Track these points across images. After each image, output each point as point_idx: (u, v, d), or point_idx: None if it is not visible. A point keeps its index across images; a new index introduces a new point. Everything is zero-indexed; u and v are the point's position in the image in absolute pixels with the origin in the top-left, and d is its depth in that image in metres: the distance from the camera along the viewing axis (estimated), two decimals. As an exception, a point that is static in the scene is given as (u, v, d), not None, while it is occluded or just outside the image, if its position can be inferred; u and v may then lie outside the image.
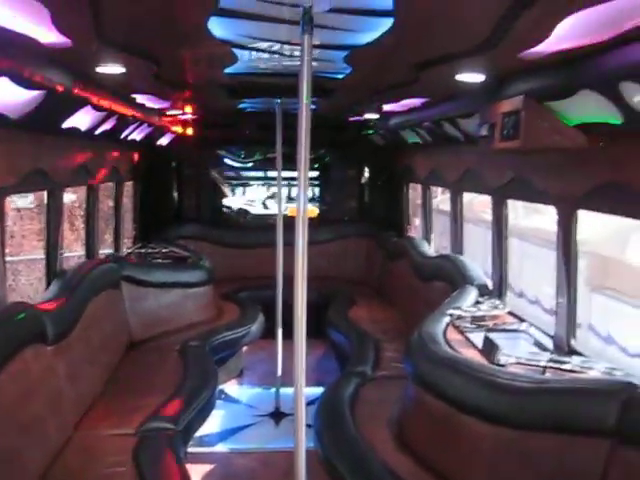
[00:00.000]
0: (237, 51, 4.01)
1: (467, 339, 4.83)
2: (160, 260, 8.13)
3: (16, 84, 3.61)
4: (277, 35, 3.59)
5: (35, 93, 3.99)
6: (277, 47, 3.98)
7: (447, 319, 5.17)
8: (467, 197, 7.61)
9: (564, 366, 4.01)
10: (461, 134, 6.00)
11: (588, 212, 4.49)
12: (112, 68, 4.19)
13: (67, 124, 5.10)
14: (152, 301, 7.32)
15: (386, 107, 6.94)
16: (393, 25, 3.19)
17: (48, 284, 5.70)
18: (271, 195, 11.65)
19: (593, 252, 8.38)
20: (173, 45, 3.75)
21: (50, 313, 4.82)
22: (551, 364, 4.05)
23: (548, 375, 3.95)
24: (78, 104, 4.90)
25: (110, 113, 5.74)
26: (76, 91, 4.44)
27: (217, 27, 3.34)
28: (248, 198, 11.72)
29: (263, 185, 11.79)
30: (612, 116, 3.44)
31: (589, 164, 4.14)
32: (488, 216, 11.53)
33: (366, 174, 10.88)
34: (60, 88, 4.15)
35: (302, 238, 3.18)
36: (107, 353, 6.00)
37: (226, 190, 11.59)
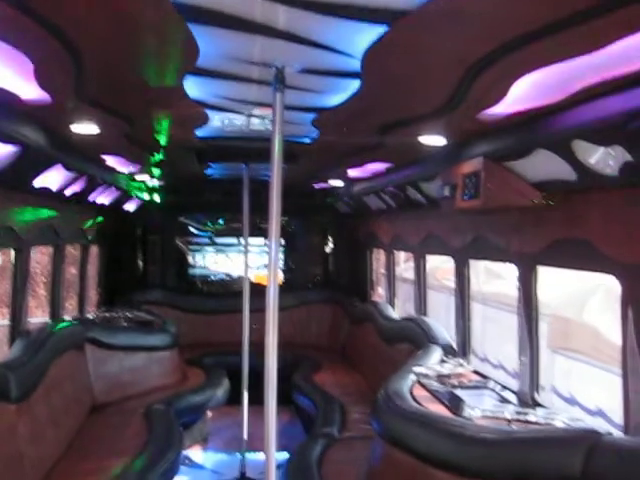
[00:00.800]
0: (209, 112, 4.16)
1: (433, 395, 4.89)
2: (125, 324, 8.07)
3: (-7, 138, 3.70)
4: (249, 96, 3.75)
5: (10, 148, 4.07)
6: (248, 109, 4.15)
7: (413, 377, 5.23)
8: (430, 264, 7.78)
9: (529, 417, 4.09)
10: (423, 197, 6.20)
11: (547, 268, 4.68)
12: (87, 127, 4.31)
13: (38, 183, 5.17)
14: (116, 364, 7.25)
15: (351, 173, 7.15)
16: (360, 87, 3.37)
17: (11, 343, 5.64)
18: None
19: (553, 315, 8.58)
20: (148, 104, 3.88)
21: (14, 371, 4.77)
22: (516, 416, 4.12)
23: (514, 427, 4.02)
24: (50, 162, 4.99)
25: (80, 174, 5.82)
26: (50, 149, 4.53)
27: (192, 87, 3.49)
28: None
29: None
30: (566, 173, 3.64)
31: (546, 221, 4.33)
32: (450, 283, 11.77)
33: (330, 241, 11.07)
34: (35, 145, 4.24)
35: (273, 303, 3.26)
36: (69, 415, 5.89)
37: (190, 257, 11.64)
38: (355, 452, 5.39)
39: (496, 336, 10.32)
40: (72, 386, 6.22)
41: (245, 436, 6.96)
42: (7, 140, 3.95)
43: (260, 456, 7.23)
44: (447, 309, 10.28)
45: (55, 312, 7.06)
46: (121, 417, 6.53)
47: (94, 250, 8.99)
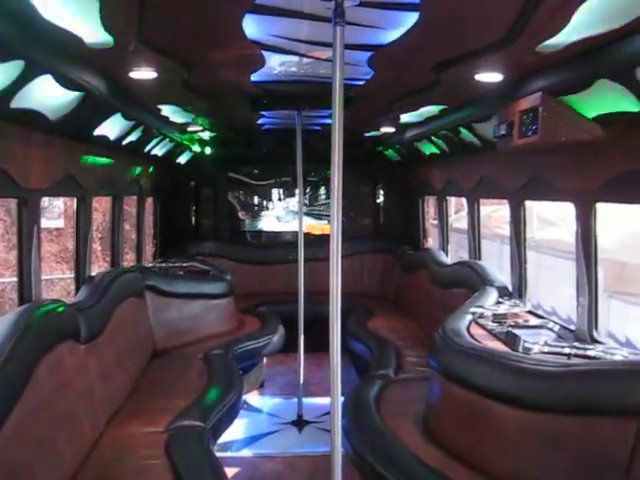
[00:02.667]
0: (266, 53, 4.18)
1: (490, 333, 4.92)
2: (181, 273, 8.26)
3: (58, 83, 3.79)
4: (307, 34, 3.76)
5: (73, 95, 4.18)
6: (305, 49, 4.15)
7: (469, 317, 5.27)
8: (483, 213, 7.75)
9: (589, 352, 4.10)
10: (477, 139, 6.14)
11: (603, 211, 4.62)
12: (145, 73, 4.38)
13: (98, 131, 5.29)
14: (175, 311, 7.45)
15: (403, 118, 7.11)
16: (418, 20, 3.35)
17: (77, 289, 5.85)
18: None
19: (609, 259, 8.47)
20: (206, 46, 3.93)
21: (83, 313, 4.96)
22: (575, 351, 4.14)
23: (573, 360, 4.04)
24: (110, 110, 5.09)
25: (137, 123, 5.93)
26: (110, 96, 4.63)
27: (249, 26, 3.51)
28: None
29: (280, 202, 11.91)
30: (629, 104, 3.57)
31: (605, 156, 4.27)
32: (502, 231, 11.69)
33: (381, 190, 11.07)
34: (96, 91, 4.33)
35: (336, 252, 3.27)
36: (134, 358, 6.11)
37: (241, 211, 11.77)
38: (412, 392, 5.48)
39: (549, 283, 10.27)
40: (135, 331, 6.44)
41: (301, 380, 7.13)
42: (70, 86, 4.05)
43: (315, 400, 7.41)
44: (499, 258, 10.27)
45: (115, 261, 7.25)
46: (181, 362, 6.73)
47: (149, 202, 9.16)
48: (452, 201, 12.67)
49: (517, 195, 5.95)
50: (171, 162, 9.18)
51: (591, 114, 4.04)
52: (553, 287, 9.88)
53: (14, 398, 3.48)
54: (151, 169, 8.51)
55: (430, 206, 10.24)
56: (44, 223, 14.16)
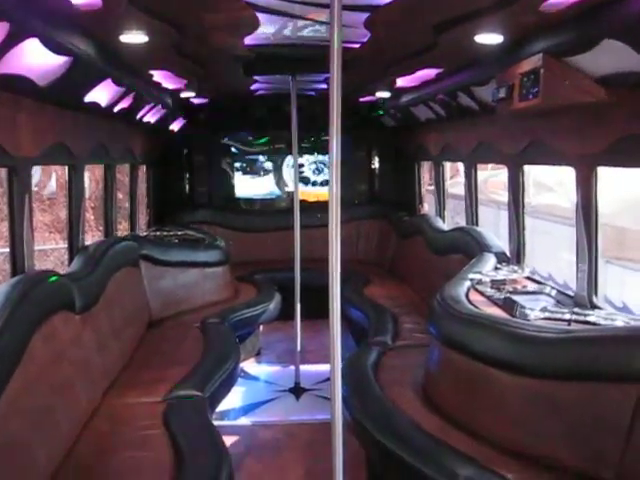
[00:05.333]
0: (260, 15, 4.07)
1: (489, 299, 4.88)
2: (176, 241, 8.18)
3: (45, 47, 3.67)
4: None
5: (62, 60, 4.06)
6: (300, 11, 4.04)
7: (468, 283, 5.22)
8: (479, 178, 7.66)
9: (588, 318, 4.07)
10: (475, 103, 6.05)
11: (603, 174, 4.55)
12: (136, 36, 4.25)
13: (88, 98, 5.17)
14: (170, 280, 7.39)
15: (399, 82, 6.98)
16: None
17: (71, 259, 5.77)
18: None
19: (607, 224, 8.42)
20: (198, 7, 3.80)
21: (77, 283, 4.89)
22: (575, 317, 4.10)
23: (573, 327, 4.00)
24: (100, 76, 4.97)
25: (128, 89, 5.80)
26: (100, 61, 4.51)
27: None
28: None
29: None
30: (634, 64, 3.48)
31: (609, 119, 4.18)
32: (498, 197, 11.62)
33: (376, 156, 10.96)
34: (86, 56, 4.21)
35: (335, 218, 3.19)
36: (129, 328, 6.06)
37: (235, 178, 11.66)
38: (410, 359, 5.45)
39: (545, 249, 10.24)
40: (130, 301, 6.38)
41: (298, 347, 7.11)
42: (58, 50, 3.92)
43: (313, 367, 7.40)
44: (495, 224, 10.22)
45: (109, 230, 7.17)
46: (178, 331, 6.70)
47: (142, 171, 9.05)
48: (448, 167, 12.61)
49: (516, 160, 5.87)
50: (164, 129, 9.05)
51: (595, 75, 3.95)
52: (549, 253, 9.85)
53: (9, 369, 3.43)
54: (143, 137, 8.38)
55: (425, 172, 10.16)
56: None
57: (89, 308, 5.02)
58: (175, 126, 9.48)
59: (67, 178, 5.97)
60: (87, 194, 14.70)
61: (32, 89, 4.17)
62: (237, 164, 11.11)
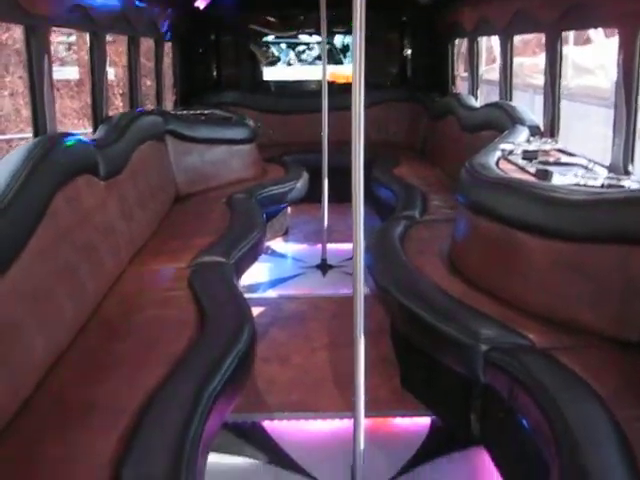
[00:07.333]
0: None
1: (520, 168, 4.74)
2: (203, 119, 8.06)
3: None
4: None
5: None
6: None
7: (499, 153, 5.08)
8: (515, 62, 7.33)
9: (622, 182, 3.93)
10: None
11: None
12: None
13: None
14: (197, 156, 7.32)
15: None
16: None
17: (95, 128, 5.71)
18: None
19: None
20: None
21: (101, 150, 4.84)
22: (609, 182, 3.96)
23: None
24: None
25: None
26: None
27: None
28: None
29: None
30: None
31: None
32: (534, 80, 11.21)
33: (408, 36, 10.55)
34: None
35: (358, 102, 3.00)
36: (155, 200, 6.04)
37: (263, 61, 11.39)
38: (437, 231, 5.39)
39: (582, 133, 9.94)
40: (156, 175, 6.35)
41: (325, 225, 7.09)
42: None
43: (339, 246, 7.40)
44: (530, 109, 9.88)
45: (134, 103, 7.05)
46: (204, 205, 6.68)
47: (168, 48, 8.82)
48: (483, 55, 12.17)
49: (555, 26, 5.57)
50: (189, 5, 8.75)
51: None
52: (586, 137, 9.55)
53: (32, 225, 3.42)
54: (168, 10, 8.12)
55: (460, 63, 9.77)
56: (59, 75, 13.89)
57: (114, 175, 4.99)
58: (201, 3, 9.15)
59: (89, 47, 5.82)
60: (115, 80, 14.60)
61: None
62: (265, 46, 10.80)
